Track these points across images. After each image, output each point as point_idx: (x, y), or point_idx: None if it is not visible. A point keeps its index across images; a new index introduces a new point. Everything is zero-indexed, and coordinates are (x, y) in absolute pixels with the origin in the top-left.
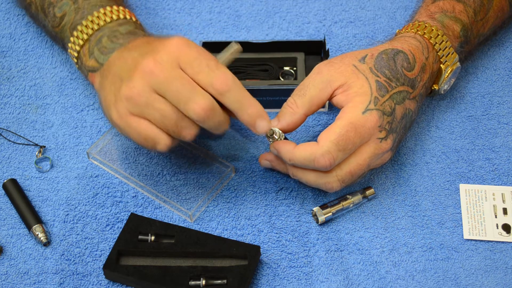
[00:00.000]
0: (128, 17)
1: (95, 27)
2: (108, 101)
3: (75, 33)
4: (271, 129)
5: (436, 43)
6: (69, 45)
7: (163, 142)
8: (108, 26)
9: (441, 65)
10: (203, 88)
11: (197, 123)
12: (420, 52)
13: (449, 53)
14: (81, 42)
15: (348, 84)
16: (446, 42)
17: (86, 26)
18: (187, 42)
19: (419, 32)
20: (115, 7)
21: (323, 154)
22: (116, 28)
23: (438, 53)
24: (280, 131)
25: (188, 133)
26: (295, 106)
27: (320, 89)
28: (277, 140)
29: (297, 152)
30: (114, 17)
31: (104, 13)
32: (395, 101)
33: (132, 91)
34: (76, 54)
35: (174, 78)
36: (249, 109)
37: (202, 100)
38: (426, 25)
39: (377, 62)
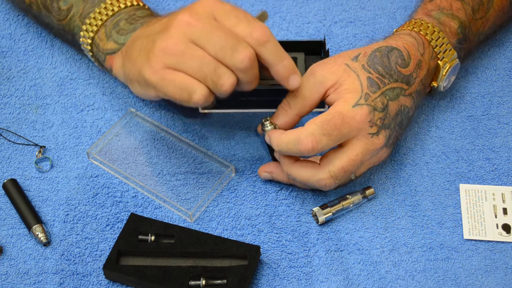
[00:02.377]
0: (141, 4)
1: (110, 13)
2: (138, 65)
3: (87, 21)
4: (267, 119)
5: (432, 39)
6: (81, 33)
7: (199, 91)
8: (124, 11)
9: (439, 62)
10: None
11: (236, 73)
12: (415, 49)
13: (446, 50)
14: (95, 29)
15: (339, 82)
16: (443, 38)
17: (99, 12)
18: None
19: (415, 29)
20: None
21: (307, 136)
22: (133, 12)
23: (435, 50)
24: (275, 123)
25: (227, 81)
26: (288, 107)
27: (312, 90)
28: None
29: (284, 136)
30: (128, 3)
31: (118, 0)
32: (387, 97)
33: (169, 42)
34: (89, 41)
35: (214, 29)
36: (285, 61)
37: (247, 49)
38: (422, 22)
39: (370, 60)
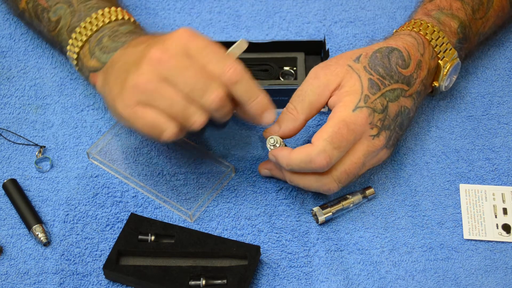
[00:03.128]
0: (126, 17)
1: (94, 28)
2: (113, 94)
3: (73, 35)
4: (272, 137)
5: (432, 39)
6: (68, 47)
7: (169, 129)
8: (107, 26)
9: (439, 61)
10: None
11: (207, 111)
12: (415, 49)
13: (446, 49)
14: (80, 44)
15: (342, 84)
16: (443, 38)
17: (84, 27)
18: (194, 32)
19: (415, 29)
20: (113, 8)
21: (319, 154)
22: (116, 28)
23: (435, 49)
24: (281, 139)
25: (198, 120)
26: (296, 112)
27: (318, 93)
28: (277, 147)
29: (293, 155)
30: (113, 18)
31: (103, 14)
32: (387, 99)
33: (140, 79)
34: (75, 56)
35: (185, 67)
36: (258, 99)
37: (218, 89)
38: (422, 22)
39: (371, 61)
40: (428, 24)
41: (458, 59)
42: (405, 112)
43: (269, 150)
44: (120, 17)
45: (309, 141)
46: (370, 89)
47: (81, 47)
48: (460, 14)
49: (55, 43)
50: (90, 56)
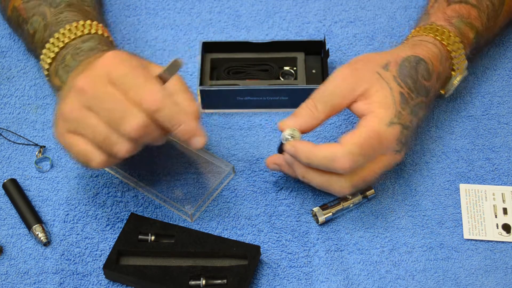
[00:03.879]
0: (93, 31)
1: (60, 44)
2: (53, 121)
3: (44, 51)
4: (291, 129)
5: (453, 51)
6: (40, 62)
7: (96, 159)
8: (71, 43)
9: (452, 72)
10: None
11: (129, 139)
12: (438, 61)
13: (460, 60)
14: (48, 61)
15: (370, 92)
16: (461, 49)
17: (52, 43)
18: (121, 56)
19: (438, 38)
20: (81, 22)
21: (345, 155)
22: (79, 45)
23: (453, 61)
24: (299, 133)
25: (120, 149)
26: (316, 110)
27: (343, 96)
28: (295, 140)
29: (317, 150)
30: (79, 33)
31: (69, 29)
32: (414, 114)
33: (65, 108)
34: (46, 72)
35: (104, 96)
36: (182, 126)
37: (134, 119)
38: (444, 30)
39: (401, 71)
40: (451, 34)
41: (467, 70)
42: (420, 123)
43: (285, 141)
44: (86, 31)
45: (315, 137)
46: (402, 104)
47: (50, 64)
48: (477, 24)
49: (35, 55)
50: (55, 74)
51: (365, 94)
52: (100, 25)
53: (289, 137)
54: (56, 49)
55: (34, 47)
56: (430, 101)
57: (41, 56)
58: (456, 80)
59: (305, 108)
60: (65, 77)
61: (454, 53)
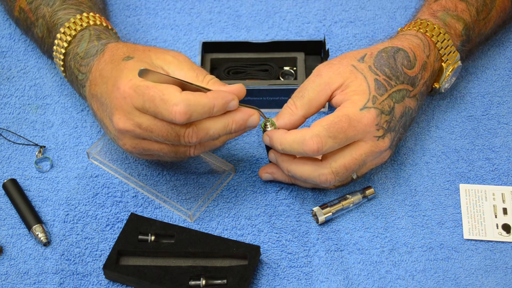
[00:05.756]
0: (85, 24)
1: (62, 50)
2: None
3: (55, 59)
4: (269, 121)
5: (438, 41)
6: (57, 67)
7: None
8: (70, 49)
9: (443, 64)
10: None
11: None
12: (421, 50)
13: (450, 52)
14: (62, 69)
15: (346, 84)
16: (448, 40)
17: (56, 50)
18: (134, 87)
19: (421, 30)
20: (71, 20)
21: (312, 137)
22: (75, 50)
23: (440, 52)
24: (274, 121)
25: (192, 152)
26: (294, 108)
27: (319, 91)
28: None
29: (287, 135)
30: (73, 32)
31: (64, 33)
32: (394, 100)
33: (125, 148)
34: (67, 79)
35: (148, 125)
36: (235, 114)
37: (187, 135)
38: (428, 23)
39: (377, 61)
40: (435, 26)
41: (460, 62)
42: (409, 113)
43: (263, 133)
44: (79, 28)
45: None
46: (377, 90)
47: (64, 72)
48: (465, 16)
49: (49, 57)
50: (72, 82)
51: (342, 87)
52: (91, 13)
53: (267, 129)
54: (62, 56)
55: (45, 50)
56: (420, 92)
57: (55, 62)
58: (449, 72)
59: (285, 107)
60: (83, 91)
61: (440, 44)
